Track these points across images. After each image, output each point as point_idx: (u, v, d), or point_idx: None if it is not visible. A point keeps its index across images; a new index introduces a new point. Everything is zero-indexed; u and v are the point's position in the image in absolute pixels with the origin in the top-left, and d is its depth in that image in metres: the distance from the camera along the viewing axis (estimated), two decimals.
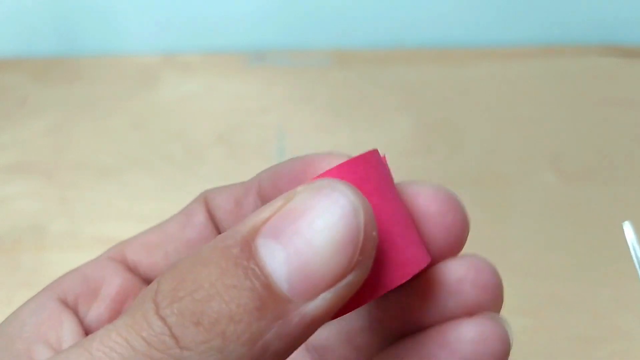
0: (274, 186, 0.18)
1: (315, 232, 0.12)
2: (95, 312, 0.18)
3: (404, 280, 0.14)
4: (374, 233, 0.13)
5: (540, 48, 0.57)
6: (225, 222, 0.20)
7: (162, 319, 0.12)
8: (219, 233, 0.19)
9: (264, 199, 0.18)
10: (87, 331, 0.18)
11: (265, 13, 0.58)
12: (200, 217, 0.20)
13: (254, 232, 0.13)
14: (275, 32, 0.59)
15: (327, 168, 0.15)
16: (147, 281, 0.20)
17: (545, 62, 0.56)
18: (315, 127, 0.50)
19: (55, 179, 0.47)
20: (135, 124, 0.51)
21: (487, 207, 0.44)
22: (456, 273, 0.17)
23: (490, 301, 0.17)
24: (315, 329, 0.13)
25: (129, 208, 0.45)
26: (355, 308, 0.14)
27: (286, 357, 0.13)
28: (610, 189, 0.45)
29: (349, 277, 0.12)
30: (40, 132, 0.50)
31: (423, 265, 0.15)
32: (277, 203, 0.13)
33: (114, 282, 0.19)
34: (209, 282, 0.12)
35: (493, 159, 0.47)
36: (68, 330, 0.17)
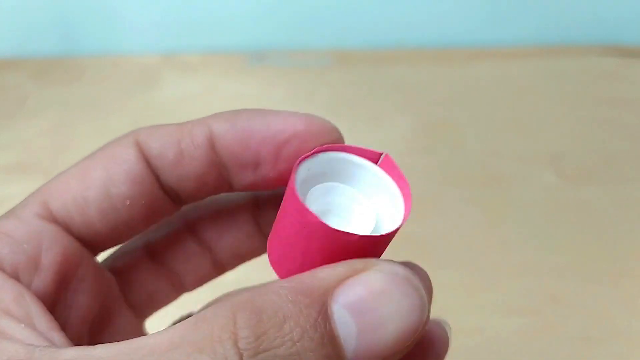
0: (241, 143, 0.18)
1: (387, 318, 0.13)
2: (40, 283, 0.17)
3: None
4: (426, 328, 0.14)
5: (540, 48, 0.57)
6: (167, 173, 0.18)
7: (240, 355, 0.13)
8: (156, 182, 0.18)
9: (225, 151, 0.18)
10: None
11: (265, 13, 0.58)
12: (135, 166, 0.18)
13: (328, 293, 0.13)
14: (275, 32, 0.59)
15: (291, 129, 0.17)
16: (83, 241, 0.18)
17: (545, 62, 0.56)
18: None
19: None
20: (135, 124, 0.50)
21: (487, 207, 0.44)
22: None
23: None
24: None
25: None
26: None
27: None
28: (610, 189, 0.45)
29: (395, 357, 0.14)
30: (40, 132, 0.50)
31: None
32: (344, 268, 0.14)
33: (52, 250, 0.17)
34: (292, 341, 0.13)
35: (493, 159, 0.47)
36: (30, 301, 0.16)
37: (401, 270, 0.14)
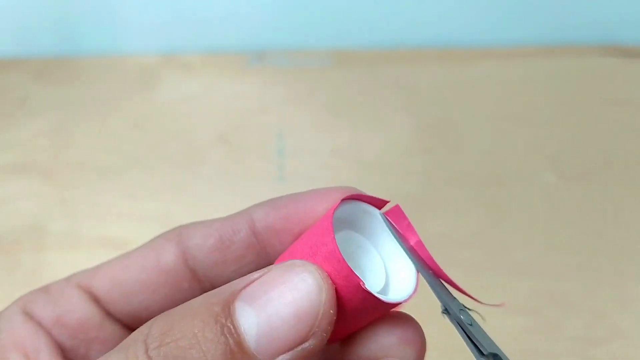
0: (268, 227, 0.19)
1: (283, 303, 0.15)
2: (56, 334, 0.20)
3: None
4: (332, 311, 0.15)
5: (540, 48, 0.57)
6: (205, 262, 0.20)
7: (150, 358, 0.14)
8: (192, 273, 0.20)
9: (258, 237, 0.20)
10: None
11: (265, 13, 0.58)
12: (169, 257, 0.20)
13: (234, 295, 0.15)
14: (275, 32, 0.59)
15: (322, 207, 0.18)
16: (107, 313, 0.21)
17: (545, 62, 0.56)
18: (315, 127, 0.50)
19: (55, 179, 0.47)
20: (135, 124, 0.51)
21: (487, 207, 0.44)
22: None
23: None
24: None
25: (129, 208, 0.45)
26: None
27: None
28: (610, 189, 0.45)
29: (305, 344, 0.15)
30: (40, 132, 0.50)
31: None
32: (256, 274, 0.15)
33: (77, 312, 0.20)
34: (192, 332, 0.14)
35: (493, 159, 0.47)
36: (43, 342, 0.18)
37: (299, 261, 0.16)
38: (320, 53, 0.57)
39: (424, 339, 0.17)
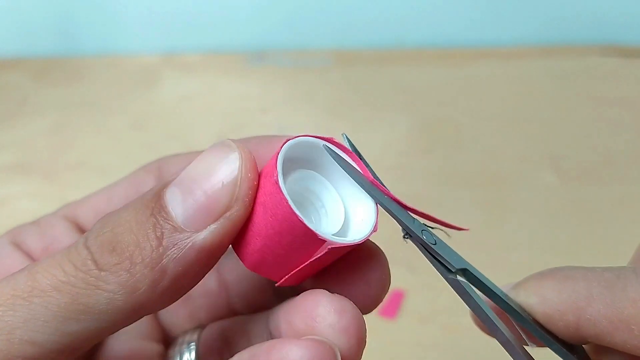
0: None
1: (202, 175, 0.16)
2: None
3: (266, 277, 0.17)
4: (250, 175, 0.16)
5: (540, 48, 0.57)
6: None
7: (87, 248, 0.15)
8: None
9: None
10: None
11: (265, 13, 0.58)
12: (148, 188, 0.19)
13: (165, 185, 0.16)
14: (275, 32, 0.59)
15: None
16: None
17: (545, 62, 0.56)
18: (315, 127, 0.50)
19: (55, 179, 0.47)
20: (135, 124, 0.51)
21: (487, 207, 0.44)
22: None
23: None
24: (208, 258, 0.15)
25: None
26: (236, 253, 0.17)
27: (188, 285, 0.16)
28: (610, 189, 0.45)
29: (230, 212, 0.15)
30: (40, 132, 0.50)
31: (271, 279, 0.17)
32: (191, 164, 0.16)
33: (63, 242, 0.21)
34: (126, 220, 0.16)
35: (493, 159, 0.47)
36: None
37: (218, 143, 0.16)
38: (320, 53, 0.57)
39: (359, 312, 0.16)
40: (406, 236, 0.17)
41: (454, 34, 0.58)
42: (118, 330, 0.16)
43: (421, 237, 0.17)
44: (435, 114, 0.51)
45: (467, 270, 0.17)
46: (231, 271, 0.21)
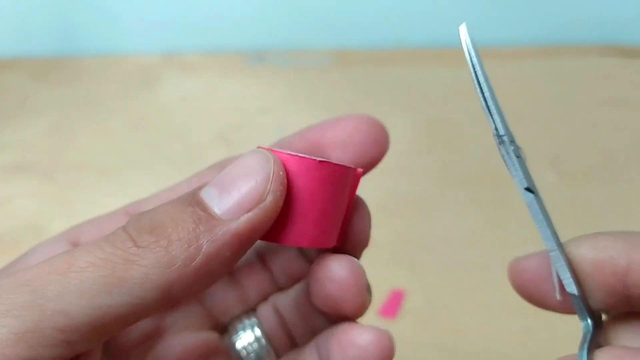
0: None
1: (236, 175, 0.17)
2: None
3: (306, 246, 0.19)
4: (282, 173, 0.17)
5: (540, 48, 0.57)
6: None
7: (126, 231, 0.17)
8: None
9: None
10: None
11: (265, 13, 0.58)
12: None
13: (202, 186, 0.18)
14: (275, 32, 0.59)
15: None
16: None
17: (545, 62, 0.56)
18: None
19: (55, 179, 0.47)
20: (135, 124, 0.51)
21: (487, 207, 0.44)
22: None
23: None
24: (241, 244, 0.17)
25: None
26: (271, 241, 0.19)
27: (219, 270, 0.17)
28: (610, 189, 0.45)
29: (264, 203, 0.17)
30: (40, 132, 0.50)
31: (324, 247, 0.19)
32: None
33: None
34: (164, 210, 0.17)
35: (493, 159, 0.47)
36: None
37: (250, 150, 0.18)
38: (320, 53, 0.57)
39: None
40: (502, 136, 0.19)
41: (454, 34, 0.58)
42: (149, 315, 0.17)
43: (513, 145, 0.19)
44: (435, 114, 0.51)
45: (533, 192, 0.19)
46: (266, 248, 0.23)
